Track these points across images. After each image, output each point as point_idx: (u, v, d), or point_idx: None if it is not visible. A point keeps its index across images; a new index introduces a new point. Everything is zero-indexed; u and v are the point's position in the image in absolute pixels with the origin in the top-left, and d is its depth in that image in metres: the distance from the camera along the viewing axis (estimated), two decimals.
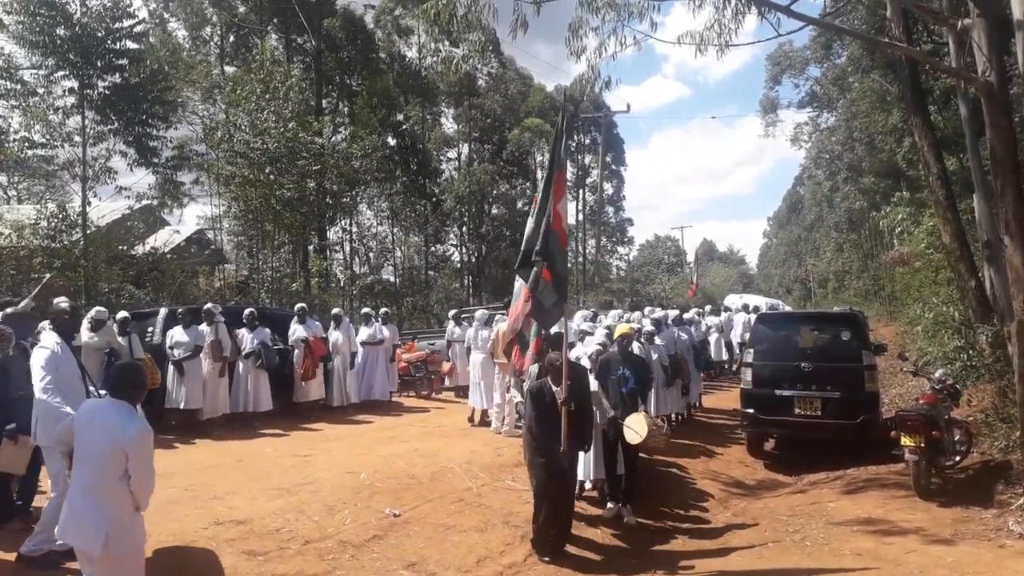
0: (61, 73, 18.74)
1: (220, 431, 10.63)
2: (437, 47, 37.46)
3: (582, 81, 10.58)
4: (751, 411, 10.76)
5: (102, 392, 4.94)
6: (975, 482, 8.37)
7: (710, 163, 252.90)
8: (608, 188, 54.88)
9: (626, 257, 62.61)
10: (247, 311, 11.74)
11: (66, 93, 19.08)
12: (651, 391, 9.68)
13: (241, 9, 31.42)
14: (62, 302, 5.79)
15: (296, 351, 12.02)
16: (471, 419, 11.63)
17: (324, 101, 30.93)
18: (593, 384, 7.49)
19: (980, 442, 9.21)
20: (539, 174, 47.00)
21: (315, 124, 23.22)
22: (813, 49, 38.16)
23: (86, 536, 3.83)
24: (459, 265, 43.44)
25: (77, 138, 18.83)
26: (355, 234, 32.50)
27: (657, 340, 11.28)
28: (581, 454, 7.31)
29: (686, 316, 15.13)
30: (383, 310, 15.11)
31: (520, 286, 7.99)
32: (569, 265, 9.06)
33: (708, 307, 22.27)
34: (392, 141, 32.59)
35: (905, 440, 7.97)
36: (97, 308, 10.22)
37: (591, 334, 9.75)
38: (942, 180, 12.45)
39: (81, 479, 3.92)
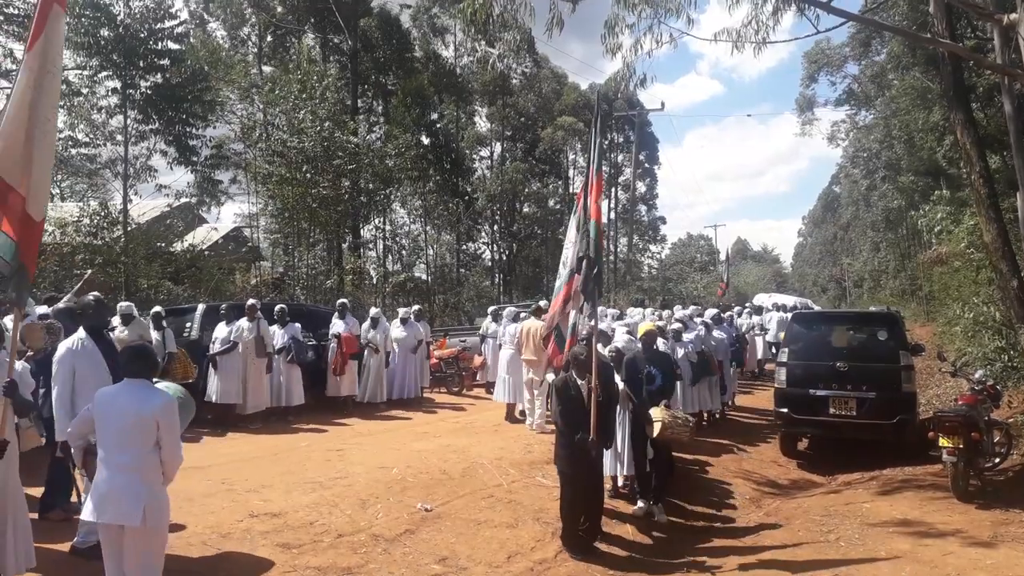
0: (105, 73, 19.18)
1: (256, 425, 10.80)
2: (473, 46, 37.63)
3: (617, 79, 10.60)
4: (785, 410, 10.67)
5: None
6: (1015, 484, 8.22)
7: (744, 161, 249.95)
8: (641, 186, 54.64)
9: (658, 255, 62.34)
10: (277, 307, 11.90)
11: (109, 93, 19.57)
12: (677, 387, 9.63)
13: (279, 9, 31.83)
14: (89, 296, 5.91)
15: (332, 345, 12.17)
16: (508, 416, 11.58)
17: (359, 100, 31.19)
18: (618, 383, 7.53)
19: (1020, 444, 9.04)
20: (571, 173, 47.03)
21: (351, 124, 23.44)
22: (851, 46, 37.51)
23: (125, 509, 3.92)
24: (490, 263, 43.57)
25: (119, 137, 19.31)
26: (388, 232, 32.74)
27: (685, 337, 11.22)
28: (610, 451, 7.36)
29: (723, 315, 15.05)
30: (415, 307, 15.23)
31: (560, 284, 8.06)
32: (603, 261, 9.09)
33: (748, 306, 22.08)
34: (426, 140, 32.74)
35: (943, 441, 7.83)
36: (124, 303, 10.37)
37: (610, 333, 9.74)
38: (984, 178, 12.19)
39: (112, 458, 4.01)
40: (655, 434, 7.06)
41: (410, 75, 33.05)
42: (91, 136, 19.23)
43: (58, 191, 23.12)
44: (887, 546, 6.53)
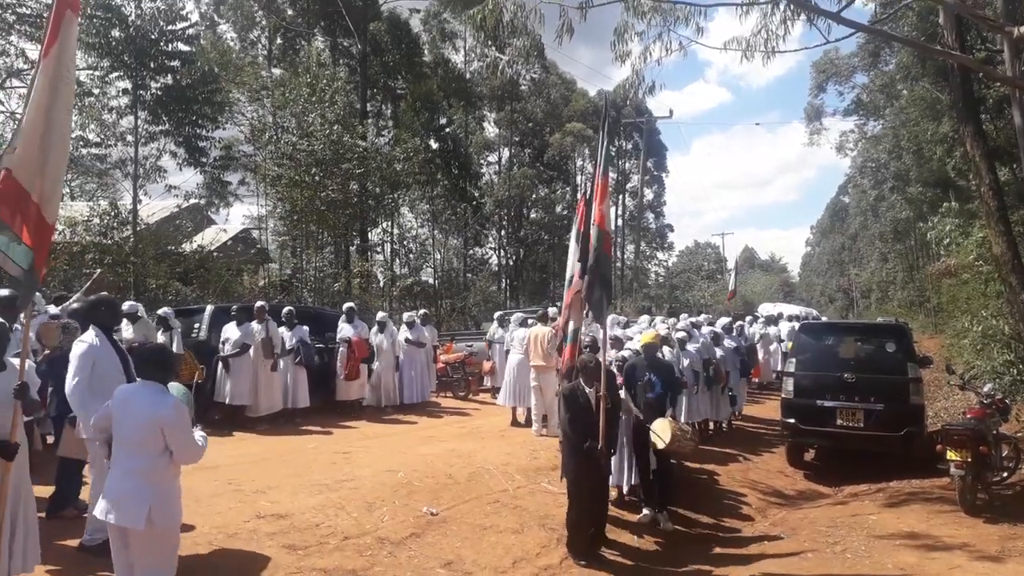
0: (116, 74, 19.27)
1: (264, 427, 10.81)
2: (483, 51, 37.71)
3: (626, 86, 10.60)
4: (792, 421, 10.64)
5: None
6: (1023, 499, 8.17)
7: (752, 170, 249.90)
8: (649, 193, 54.64)
9: (665, 263, 62.24)
10: (285, 310, 11.91)
11: (120, 94, 19.65)
12: (681, 397, 9.61)
13: (289, 12, 31.96)
14: (100, 296, 5.94)
15: (341, 350, 12.18)
16: (514, 420, 11.65)
17: (368, 104, 31.27)
18: (621, 392, 7.56)
19: None
20: (580, 179, 47.06)
21: (359, 127, 23.49)
22: (860, 56, 37.52)
23: (129, 511, 3.95)
24: (497, 268, 43.58)
25: (129, 137, 19.39)
26: (396, 236, 32.79)
27: (689, 346, 11.21)
28: (615, 460, 7.37)
29: (724, 322, 15.01)
30: (422, 311, 15.26)
31: (566, 291, 8.12)
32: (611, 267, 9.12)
33: (760, 316, 21.99)
34: (434, 144, 32.83)
35: (951, 454, 7.81)
36: (130, 303, 10.38)
37: (620, 340, 9.74)
38: (994, 190, 12.17)
39: (122, 460, 4.06)
40: (663, 446, 7.03)
41: (419, 79, 33.13)
42: (102, 136, 19.31)
43: (68, 191, 23.23)
44: (893, 559, 6.51)
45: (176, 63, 19.80)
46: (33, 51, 17.36)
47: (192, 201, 23.07)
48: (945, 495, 8.52)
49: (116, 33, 18.46)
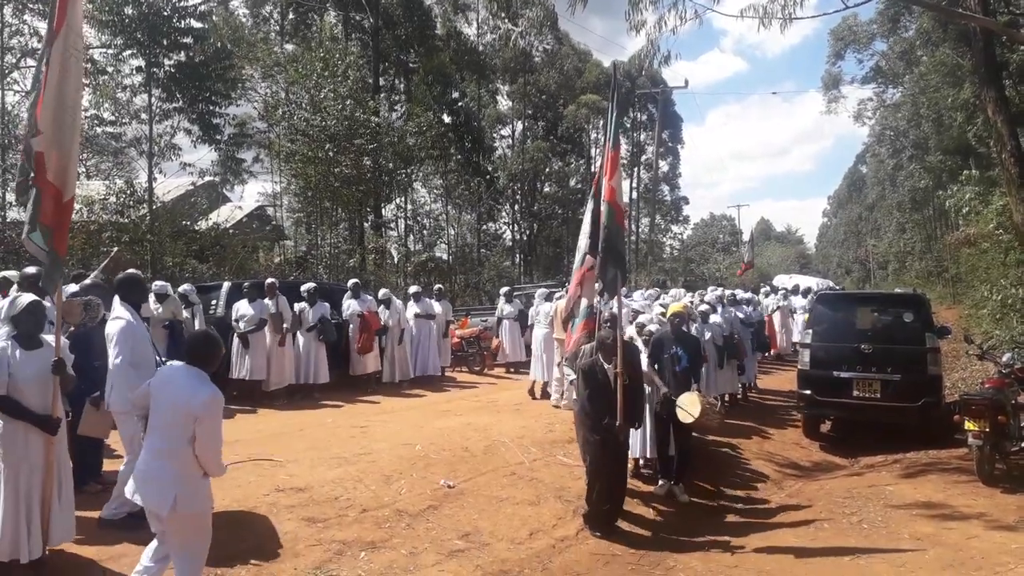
0: (129, 52, 19.27)
1: (282, 401, 10.92)
2: (496, 23, 37.35)
3: (640, 56, 10.63)
4: (808, 392, 10.61)
5: (166, 361, 5.10)
6: None
7: (768, 140, 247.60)
8: (664, 166, 54.19)
9: (680, 236, 61.87)
10: (306, 286, 11.96)
11: (134, 72, 19.66)
12: (703, 370, 9.60)
13: None
14: (127, 272, 5.96)
15: (352, 325, 12.24)
16: (532, 392, 11.77)
17: (381, 79, 31.10)
18: (644, 363, 7.54)
19: None
20: (594, 151, 46.76)
21: (371, 103, 23.41)
22: (879, 22, 36.88)
23: (155, 496, 3.98)
24: (511, 243, 43.51)
25: (144, 116, 19.46)
26: (410, 212, 32.79)
27: (712, 319, 11.18)
28: (633, 431, 7.39)
29: (743, 296, 14.95)
30: (437, 286, 15.29)
31: (575, 268, 8.09)
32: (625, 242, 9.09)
33: (780, 287, 21.83)
34: (447, 118, 32.65)
35: (969, 424, 7.76)
36: (159, 282, 10.54)
37: (643, 313, 9.73)
38: (1016, 157, 11.98)
39: (153, 442, 4.08)
40: (691, 420, 7.02)
41: (432, 53, 32.88)
42: (116, 115, 19.38)
43: (84, 170, 23.40)
44: (910, 529, 6.51)
45: (189, 40, 19.78)
46: (46, 30, 17.36)
47: (207, 179, 23.15)
48: (962, 465, 8.50)
49: (129, 11, 18.44)
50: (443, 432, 8.71)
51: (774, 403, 13.24)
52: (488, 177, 36.31)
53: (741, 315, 13.12)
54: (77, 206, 17.09)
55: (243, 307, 10.96)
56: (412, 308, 13.68)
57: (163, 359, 5.74)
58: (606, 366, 6.58)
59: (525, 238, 43.86)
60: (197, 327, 10.46)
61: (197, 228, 20.84)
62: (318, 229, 24.43)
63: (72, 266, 13.51)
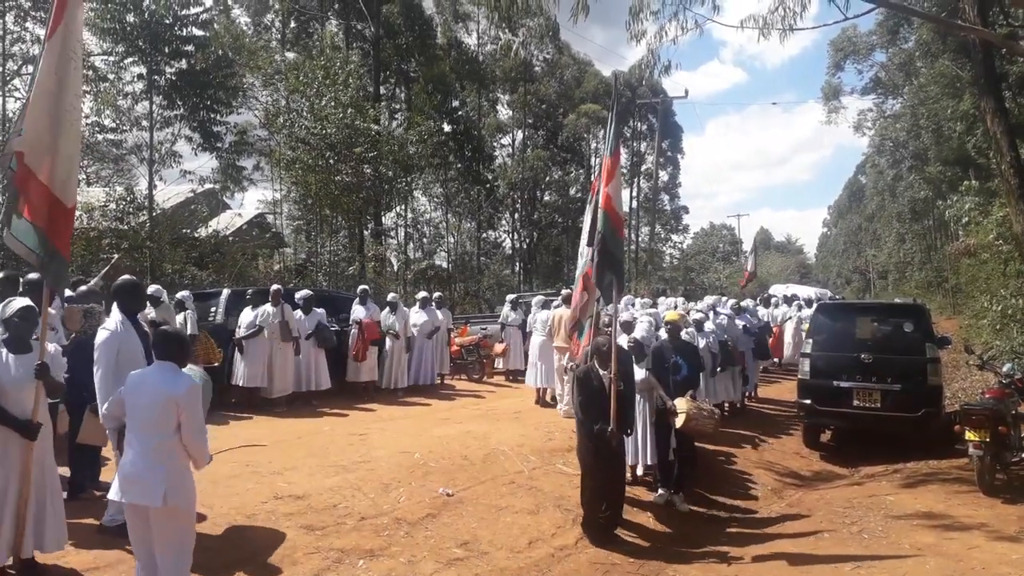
0: (130, 59, 19.32)
1: (281, 409, 10.89)
2: (496, 33, 37.47)
3: (641, 66, 10.54)
4: (808, 402, 10.60)
5: None
6: None
7: (767, 150, 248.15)
8: (663, 175, 54.22)
9: (680, 245, 61.90)
10: (300, 293, 11.91)
11: (135, 79, 19.73)
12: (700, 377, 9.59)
13: None
14: (125, 279, 5.95)
15: (352, 331, 12.23)
16: (539, 399, 11.85)
17: (382, 88, 31.18)
18: (642, 373, 7.54)
19: None
20: (594, 161, 46.83)
21: (372, 111, 23.46)
22: (879, 34, 36.98)
23: (146, 490, 3.98)
24: (511, 251, 43.52)
25: (145, 123, 19.49)
26: (410, 220, 32.82)
27: (707, 327, 11.18)
28: (631, 440, 7.37)
29: (743, 304, 14.94)
30: (436, 294, 15.28)
31: (577, 276, 8.11)
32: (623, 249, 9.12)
33: (783, 296, 21.77)
34: (447, 127, 32.72)
35: (970, 435, 7.75)
36: (154, 286, 10.50)
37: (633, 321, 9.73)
38: (1015, 168, 11.99)
39: (137, 441, 4.09)
40: (679, 425, 7.05)
41: (432, 62, 32.98)
42: (117, 122, 19.39)
43: (84, 176, 23.44)
44: (911, 539, 6.49)
45: (190, 48, 19.83)
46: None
47: (207, 186, 23.16)
48: (963, 475, 8.48)
49: (131, 18, 18.49)
50: (442, 440, 8.69)
51: (774, 412, 13.21)
52: (488, 186, 36.36)
53: (743, 323, 13.10)
54: (77, 212, 17.15)
55: (245, 314, 10.96)
56: (418, 315, 13.67)
57: None
58: (601, 372, 6.59)
59: (525, 246, 43.87)
60: (190, 331, 10.42)
61: (197, 235, 20.83)
62: (318, 237, 24.43)
63: (72, 273, 13.53)
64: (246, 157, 26.85)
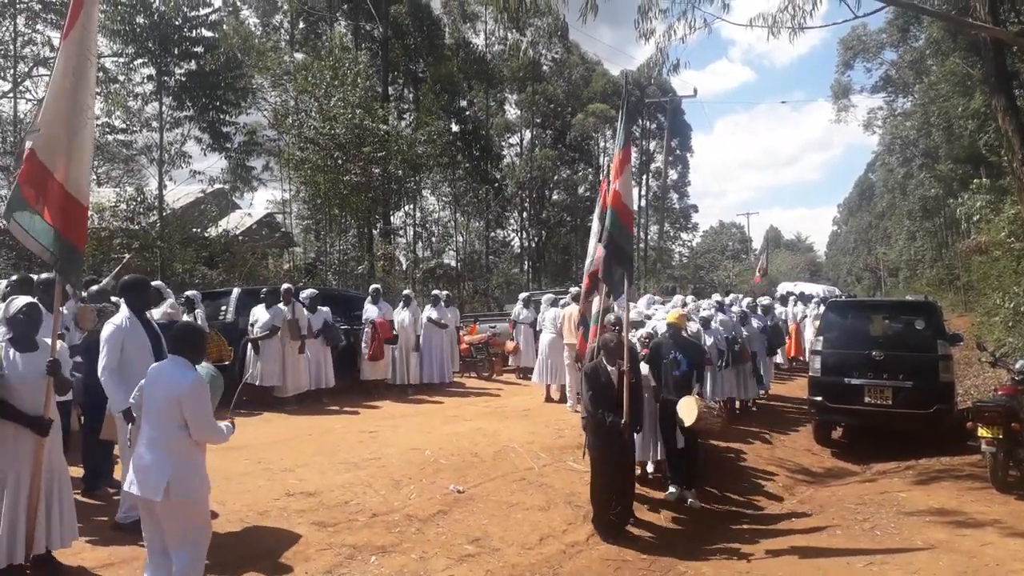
0: (140, 60, 19.43)
1: (292, 407, 10.93)
2: (505, 33, 37.50)
3: (649, 64, 10.52)
4: (819, 399, 10.57)
5: None
6: None
7: (777, 148, 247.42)
8: (673, 174, 54.19)
9: (689, 243, 61.77)
10: (306, 292, 11.92)
11: (145, 80, 19.83)
12: (706, 375, 9.57)
13: None
14: (132, 276, 5.99)
15: (365, 331, 12.27)
16: (548, 396, 11.97)
17: (390, 88, 31.25)
18: (644, 369, 7.54)
19: None
20: (602, 159, 46.81)
21: (381, 111, 23.52)
22: (889, 32, 36.81)
23: (149, 483, 4.00)
24: (519, 250, 43.54)
25: (154, 123, 19.59)
26: (418, 219, 32.88)
27: (714, 324, 11.16)
28: (639, 437, 7.37)
29: (760, 301, 14.91)
30: (445, 293, 15.31)
31: (585, 273, 8.11)
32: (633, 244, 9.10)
33: (794, 294, 21.65)
34: (455, 127, 32.77)
35: (982, 431, 7.71)
36: (156, 282, 10.54)
37: (642, 322, 9.72)
38: None
39: (145, 433, 4.13)
40: (689, 423, 7.03)
41: (440, 62, 33.03)
42: (127, 122, 19.51)
43: (95, 177, 23.57)
44: (923, 535, 6.47)
45: (200, 49, 19.94)
46: (59, 39, 17.51)
47: (217, 186, 23.26)
48: (976, 472, 8.44)
49: (141, 20, 18.59)
50: (452, 437, 8.71)
51: (786, 409, 13.18)
52: (496, 185, 36.40)
53: (757, 322, 13.06)
54: (88, 212, 17.28)
55: (259, 313, 10.99)
56: (429, 312, 13.72)
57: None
58: (609, 368, 6.60)
59: (533, 245, 43.88)
60: None
61: (207, 235, 20.93)
62: (327, 236, 24.49)
63: (84, 273, 13.61)
64: (255, 157, 26.95)
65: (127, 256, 14.30)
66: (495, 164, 37.85)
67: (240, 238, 22.42)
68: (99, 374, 5.31)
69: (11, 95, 18.51)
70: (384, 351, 12.32)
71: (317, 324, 11.56)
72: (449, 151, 29.26)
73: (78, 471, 6.10)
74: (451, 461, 7.67)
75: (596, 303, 8.10)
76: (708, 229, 78.81)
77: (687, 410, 7.07)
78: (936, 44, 28.95)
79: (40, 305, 4.88)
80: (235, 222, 24.01)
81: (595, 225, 8.49)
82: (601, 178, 7.62)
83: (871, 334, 10.66)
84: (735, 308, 12.99)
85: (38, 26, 18.75)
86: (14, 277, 7.17)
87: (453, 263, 34.22)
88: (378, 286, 13.39)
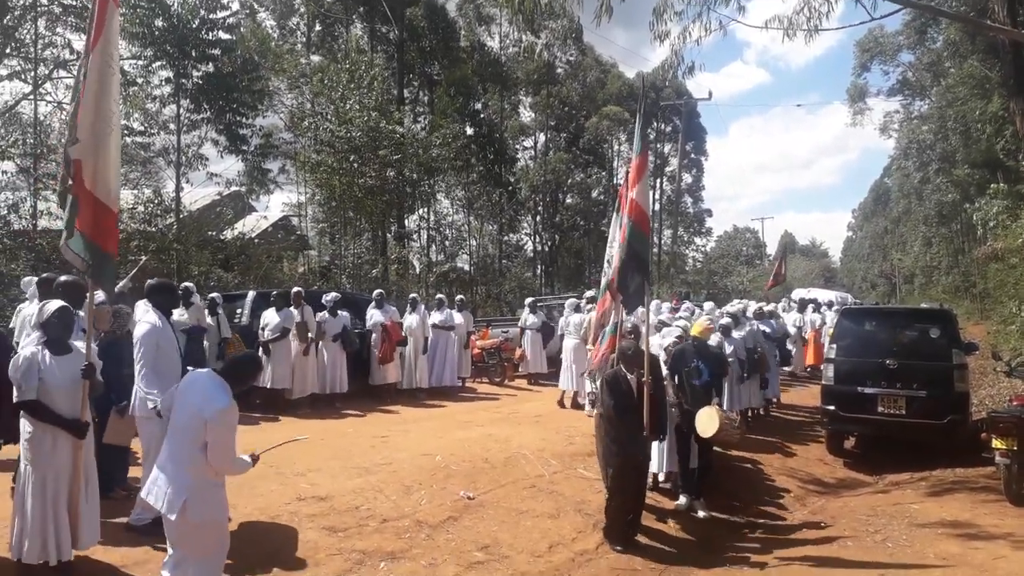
0: (158, 63, 19.62)
1: (304, 410, 10.99)
2: (520, 36, 37.55)
3: (664, 67, 10.50)
4: (832, 408, 10.49)
5: (188, 368, 5.14)
6: None
7: (791, 152, 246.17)
8: (687, 177, 54.04)
9: (703, 248, 61.53)
10: (328, 296, 12.03)
11: (163, 83, 20.03)
12: (725, 385, 9.53)
13: None
14: (159, 279, 6.07)
15: (374, 335, 12.31)
16: (561, 402, 11.94)
17: (405, 90, 31.37)
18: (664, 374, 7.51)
19: None
20: (616, 163, 46.73)
21: (396, 114, 23.62)
22: (906, 34, 36.64)
23: (166, 499, 4.01)
24: (532, 254, 43.53)
25: (172, 126, 19.79)
26: (432, 222, 32.97)
27: (735, 334, 11.11)
28: (655, 445, 7.34)
29: (767, 309, 14.81)
30: (458, 297, 15.32)
31: (604, 283, 8.08)
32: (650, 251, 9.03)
33: (811, 300, 21.43)
34: (470, 130, 32.85)
35: (996, 443, 7.64)
36: (186, 284, 10.68)
37: (668, 325, 9.68)
38: None
39: (171, 445, 4.14)
40: (710, 434, 6.99)
41: (455, 65, 33.13)
42: (145, 125, 19.72)
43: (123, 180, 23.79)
44: (936, 548, 6.41)
45: (217, 52, 20.11)
46: (78, 42, 17.71)
47: (233, 189, 23.50)
48: (990, 484, 8.36)
49: (159, 23, 18.78)
50: (463, 443, 8.72)
51: (797, 419, 13.10)
52: (510, 188, 36.43)
53: (767, 329, 13.00)
54: None
55: (269, 315, 11.07)
56: (434, 316, 13.74)
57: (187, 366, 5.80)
58: (629, 376, 6.55)
59: (547, 249, 43.85)
60: (222, 334, 10.64)
61: (223, 237, 21.10)
62: (342, 239, 24.62)
63: (116, 278, 13.72)
64: (271, 160, 27.18)
65: (144, 258, 14.43)
66: (509, 167, 37.89)
67: (256, 241, 22.58)
68: (136, 373, 5.39)
69: (32, 97, 18.70)
70: (394, 354, 12.36)
71: (336, 328, 11.62)
72: (463, 154, 29.34)
73: None
74: (462, 467, 7.68)
75: (614, 315, 8.07)
76: (722, 234, 78.59)
77: (708, 421, 7.03)
78: (954, 46, 28.80)
79: (71, 308, 4.96)
80: (251, 225, 24.19)
81: (612, 231, 8.45)
82: (616, 181, 7.59)
83: (885, 342, 10.57)
84: (749, 313, 12.91)
85: (58, 29, 18.95)
86: (35, 277, 7.26)
87: (466, 267, 34.29)
88: (382, 291, 13.41)
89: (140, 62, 19.74)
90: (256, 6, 31.36)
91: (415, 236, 32.14)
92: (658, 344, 8.44)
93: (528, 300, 16.20)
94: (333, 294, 12.18)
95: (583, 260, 45.53)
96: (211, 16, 19.84)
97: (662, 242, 50.19)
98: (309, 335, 11.20)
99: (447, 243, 33.68)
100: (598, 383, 7.16)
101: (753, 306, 14.03)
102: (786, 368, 14.98)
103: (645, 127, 7.92)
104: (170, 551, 4.25)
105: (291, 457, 7.80)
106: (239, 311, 11.86)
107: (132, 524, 5.45)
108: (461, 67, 33.22)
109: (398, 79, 29.41)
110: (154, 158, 20.90)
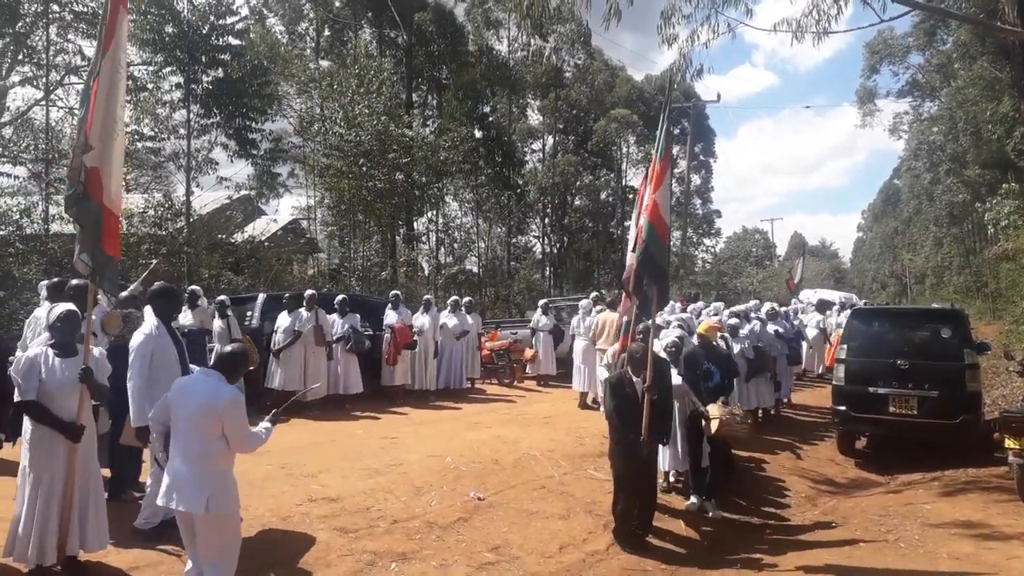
0: (169, 69, 19.78)
1: (315, 412, 11.01)
2: (528, 40, 37.62)
3: (673, 70, 10.49)
4: (843, 408, 10.44)
5: (195, 369, 5.16)
6: None
7: (800, 154, 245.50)
8: (696, 179, 53.85)
9: (712, 249, 61.32)
10: (338, 298, 12.09)
11: (173, 88, 20.17)
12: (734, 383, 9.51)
13: (336, 4, 32.30)
14: (160, 284, 6.08)
15: (385, 336, 12.34)
16: (582, 403, 11.99)
17: (414, 94, 31.47)
18: (677, 379, 7.46)
19: None
20: (624, 165, 46.67)
21: (405, 117, 23.69)
22: (915, 36, 36.51)
23: (189, 498, 4.06)
24: (541, 256, 43.54)
25: (182, 131, 19.91)
26: (441, 225, 33.03)
27: (740, 333, 11.08)
28: (664, 447, 7.32)
29: (781, 309, 14.76)
30: (467, 299, 15.35)
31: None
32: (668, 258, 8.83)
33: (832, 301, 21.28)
34: (478, 133, 32.90)
35: (1009, 443, 7.59)
36: (194, 287, 10.70)
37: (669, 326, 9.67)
38: None
39: (181, 446, 4.17)
40: (713, 431, 6.99)
41: (463, 69, 33.22)
42: (156, 130, 19.83)
43: (124, 183, 23.92)
44: (948, 548, 6.38)
45: (226, 57, 20.27)
46: (89, 48, 17.85)
47: (243, 192, 23.57)
48: (1003, 484, 8.31)
49: (169, 29, 18.92)
50: (473, 444, 8.73)
51: (809, 419, 13.04)
52: (518, 191, 36.46)
53: (779, 329, 12.95)
54: None
55: (281, 318, 11.11)
56: (447, 318, 13.76)
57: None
58: (634, 379, 6.54)
59: (555, 251, 43.86)
60: (233, 336, 10.68)
61: (233, 241, 21.17)
62: (351, 242, 24.68)
63: (119, 282, 13.81)
64: (281, 164, 27.27)
65: (154, 262, 14.50)
66: (517, 170, 37.92)
67: (265, 244, 22.66)
68: (128, 383, 5.36)
69: (43, 103, 18.85)
70: (401, 356, 12.37)
71: (345, 328, 11.66)
72: (472, 157, 29.39)
73: (104, 473, 6.19)
74: (472, 468, 7.69)
75: (625, 316, 8.05)
76: (731, 235, 78.27)
77: (711, 414, 7.05)
78: (964, 47, 28.71)
79: (78, 311, 4.99)
80: (260, 228, 24.28)
81: (632, 232, 8.39)
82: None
83: (896, 342, 10.52)
84: (757, 315, 12.85)
85: (70, 35, 19.09)
86: (46, 281, 7.32)
87: (475, 269, 34.33)
88: (398, 292, 13.47)
89: (150, 67, 19.88)
90: (265, 12, 31.57)
91: (424, 239, 32.21)
92: (658, 344, 8.41)
93: (541, 302, 16.28)
94: (341, 296, 12.22)
95: (592, 262, 45.50)
96: (221, 22, 19.98)
97: (671, 243, 50.03)
98: (327, 339, 11.23)
99: (456, 245, 33.74)
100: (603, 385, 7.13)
101: (766, 306, 13.96)
102: (795, 368, 14.89)
103: (670, 130, 7.75)
104: (190, 564, 4.29)
105: (302, 458, 7.85)
106: (249, 314, 11.90)
107: (139, 528, 5.46)
108: (469, 71, 33.30)
109: (407, 83, 29.51)
110: (164, 162, 21.02)
